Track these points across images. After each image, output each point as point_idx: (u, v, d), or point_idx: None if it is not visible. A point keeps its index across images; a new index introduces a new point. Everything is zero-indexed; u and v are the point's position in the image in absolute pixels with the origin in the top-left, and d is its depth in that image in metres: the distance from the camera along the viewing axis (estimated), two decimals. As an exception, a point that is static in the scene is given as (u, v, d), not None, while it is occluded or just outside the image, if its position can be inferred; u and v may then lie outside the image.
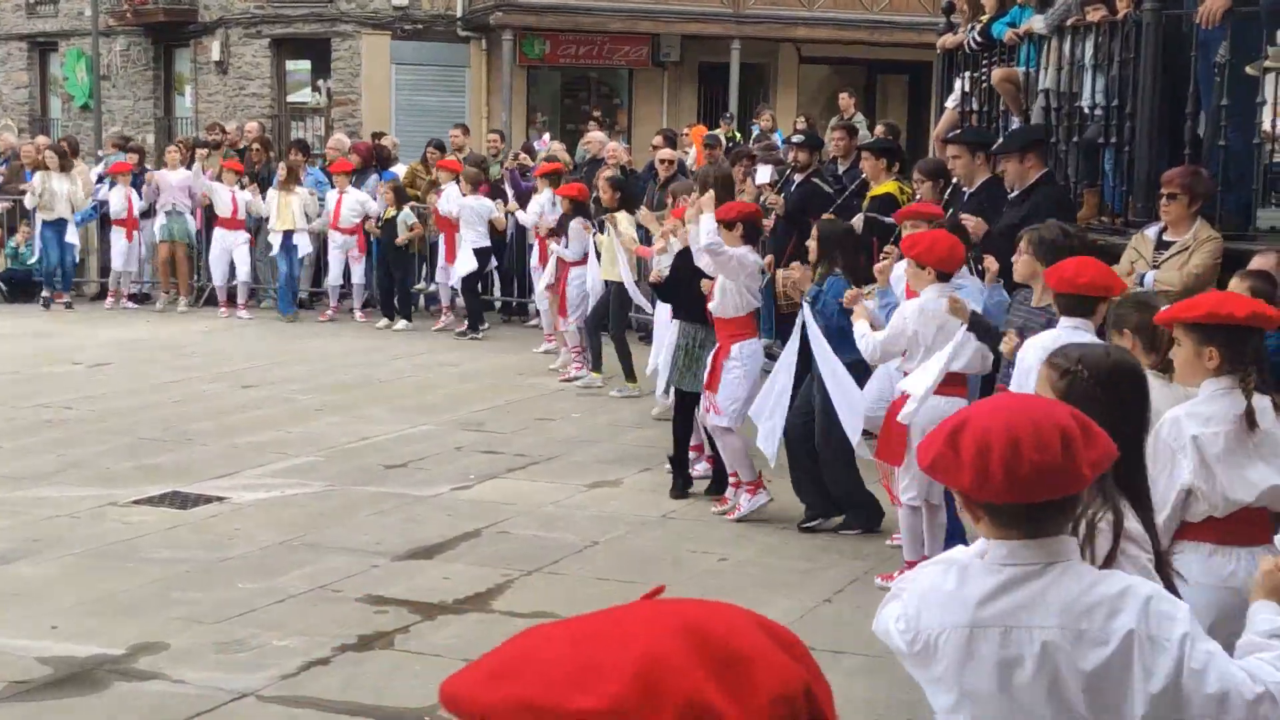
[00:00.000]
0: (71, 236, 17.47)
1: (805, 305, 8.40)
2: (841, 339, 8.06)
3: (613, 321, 12.66)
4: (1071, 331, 5.70)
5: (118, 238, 17.49)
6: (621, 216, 12.22)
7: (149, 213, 17.54)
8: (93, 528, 8.43)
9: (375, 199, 16.62)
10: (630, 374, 12.55)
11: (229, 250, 17.05)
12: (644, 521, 8.82)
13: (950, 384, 7.23)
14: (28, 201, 17.38)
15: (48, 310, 17.41)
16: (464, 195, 15.29)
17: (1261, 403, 4.52)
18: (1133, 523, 3.24)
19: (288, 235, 16.67)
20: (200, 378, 13.23)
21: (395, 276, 16.53)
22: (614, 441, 10.97)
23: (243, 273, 17.18)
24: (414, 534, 8.44)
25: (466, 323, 15.83)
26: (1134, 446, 3.40)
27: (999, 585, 2.81)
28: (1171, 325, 4.71)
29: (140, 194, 17.43)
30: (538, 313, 16.28)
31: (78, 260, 17.97)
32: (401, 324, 16.33)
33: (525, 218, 15.12)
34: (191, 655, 6.44)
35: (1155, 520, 3.51)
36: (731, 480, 8.99)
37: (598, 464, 10.21)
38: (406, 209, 16.16)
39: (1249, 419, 4.47)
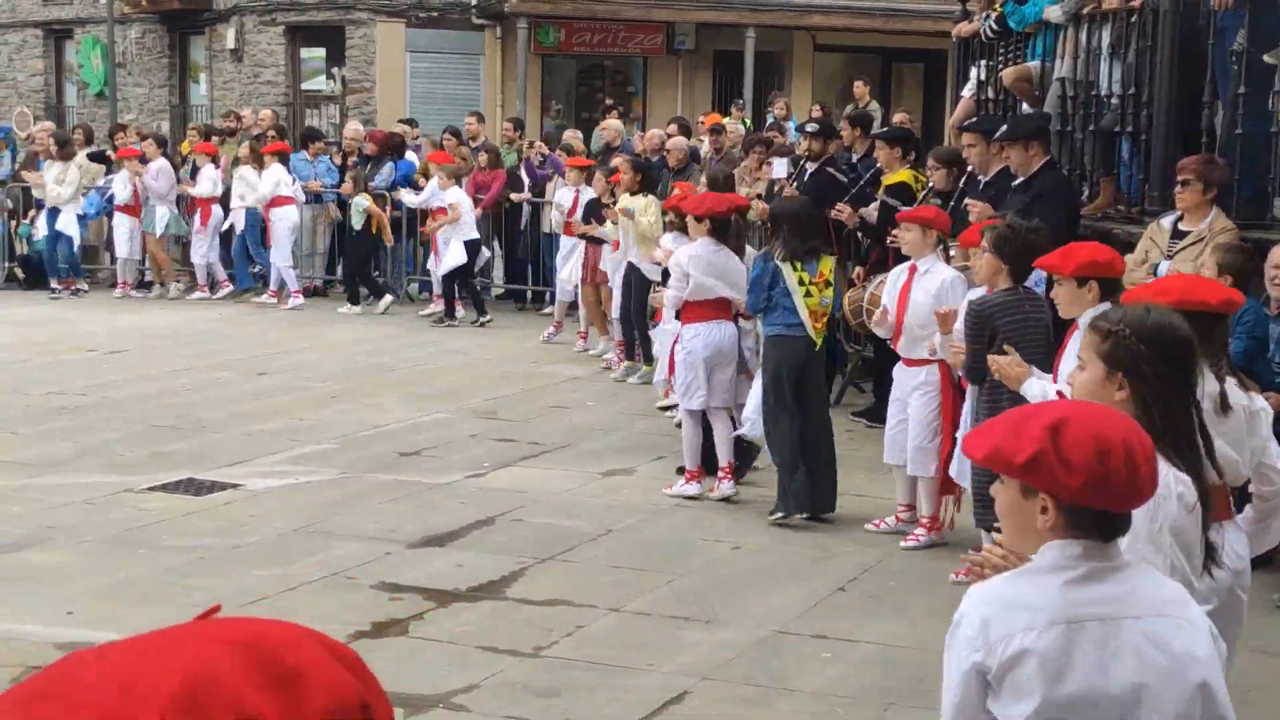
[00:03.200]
0: (64, 225, 17.42)
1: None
2: (769, 310, 8.51)
3: (635, 306, 12.61)
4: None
5: (120, 225, 17.56)
6: (638, 201, 12.26)
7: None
8: (107, 514, 8.45)
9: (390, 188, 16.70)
10: (649, 358, 12.54)
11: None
12: (657, 510, 8.82)
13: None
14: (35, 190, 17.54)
15: (57, 299, 17.41)
16: (444, 189, 15.33)
17: (1231, 386, 4.59)
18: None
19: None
20: (214, 365, 13.25)
21: (351, 262, 16.87)
22: (627, 430, 10.96)
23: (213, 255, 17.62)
24: (427, 521, 8.45)
25: (444, 310, 15.83)
26: (1187, 406, 3.53)
27: (1082, 578, 2.72)
28: None
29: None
30: (552, 300, 16.33)
31: (75, 248, 17.83)
32: (346, 307, 16.46)
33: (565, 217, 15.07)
34: (206, 642, 6.45)
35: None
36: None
37: (611, 452, 10.21)
38: (360, 196, 16.28)
39: (1222, 402, 4.53)
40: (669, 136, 15.46)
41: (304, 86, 28.08)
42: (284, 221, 16.66)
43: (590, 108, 26.50)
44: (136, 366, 13.14)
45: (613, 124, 17.84)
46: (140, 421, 10.83)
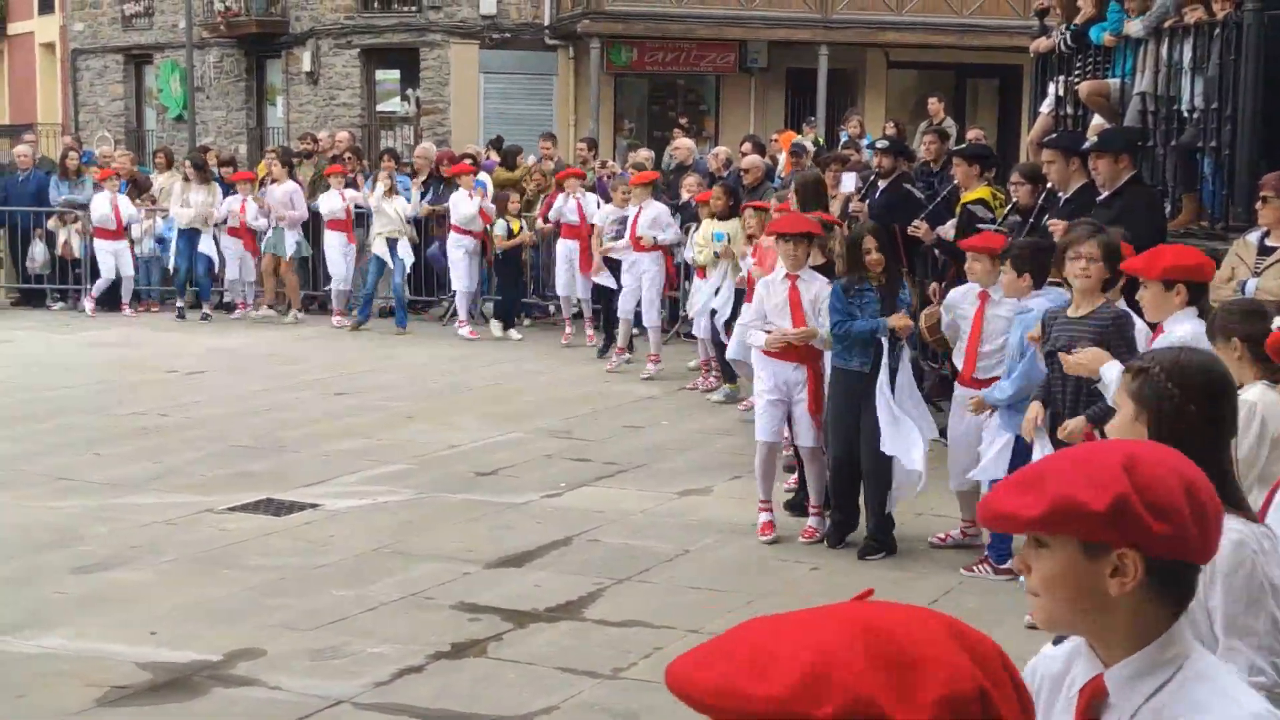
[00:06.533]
0: (205, 247, 17.70)
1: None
2: (859, 345, 8.25)
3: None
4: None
5: (230, 248, 17.77)
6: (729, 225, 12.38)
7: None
8: (189, 534, 8.53)
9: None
10: (732, 375, 12.50)
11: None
12: (734, 530, 8.78)
13: None
14: (174, 212, 17.67)
15: (183, 320, 17.63)
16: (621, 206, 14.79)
17: None
18: None
19: (391, 243, 16.86)
20: (292, 385, 13.36)
21: (498, 285, 16.93)
22: (704, 449, 10.93)
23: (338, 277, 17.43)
24: (505, 541, 8.45)
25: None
26: (1215, 453, 3.07)
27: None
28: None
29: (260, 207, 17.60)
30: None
31: (215, 270, 18.15)
32: (496, 328, 16.41)
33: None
34: (287, 662, 6.49)
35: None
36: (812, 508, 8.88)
37: (688, 472, 10.18)
38: (500, 221, 16.26)
39: None
40: (743, 155, 15.43)
41: (379, 108, 28.33)
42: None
43: (663, 126, 26.52)
44: (216, 387, 13.28)
45: (685, 142, 17.81)
46: (220, 441, 10.93)
